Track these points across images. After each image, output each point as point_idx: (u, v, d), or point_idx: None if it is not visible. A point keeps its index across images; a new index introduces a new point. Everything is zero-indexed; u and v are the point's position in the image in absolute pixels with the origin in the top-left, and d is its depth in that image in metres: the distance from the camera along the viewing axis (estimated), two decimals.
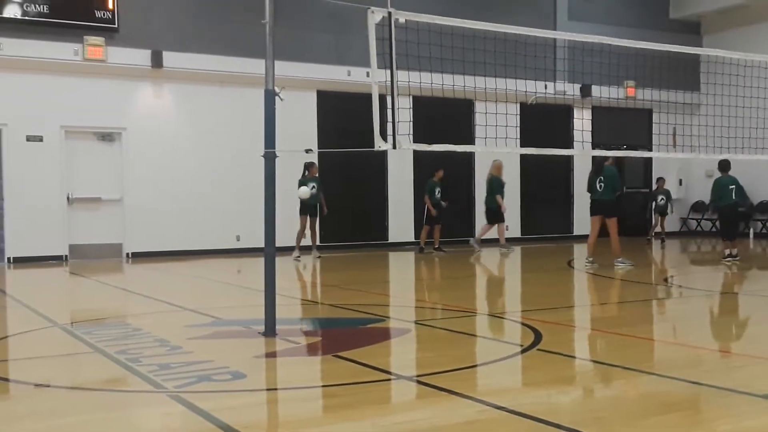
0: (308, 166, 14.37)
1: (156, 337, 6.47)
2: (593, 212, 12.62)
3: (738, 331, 6.90)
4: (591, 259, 12.40)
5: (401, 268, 10.92)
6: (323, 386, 5.05)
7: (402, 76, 7.13)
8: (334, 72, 16.07)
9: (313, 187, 14.18)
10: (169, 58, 14.92)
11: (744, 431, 3.92)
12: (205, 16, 15.49)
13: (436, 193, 15.77)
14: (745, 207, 12.67)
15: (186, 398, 4.53)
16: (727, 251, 12.97)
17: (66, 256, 14.58)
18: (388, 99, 6.69)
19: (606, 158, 12.68)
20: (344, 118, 16.13)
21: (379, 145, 6.60)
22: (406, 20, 6.84)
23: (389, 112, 6.68)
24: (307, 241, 14.66)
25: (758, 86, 14.31)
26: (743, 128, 15.29)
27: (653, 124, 20.32)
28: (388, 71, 6.66)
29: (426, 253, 15.61)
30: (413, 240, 16.79)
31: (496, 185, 15.58)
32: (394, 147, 6.83)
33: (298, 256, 14.39)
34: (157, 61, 14.82)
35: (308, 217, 14.48)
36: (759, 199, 18.81)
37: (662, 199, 18.24)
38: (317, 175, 14.58)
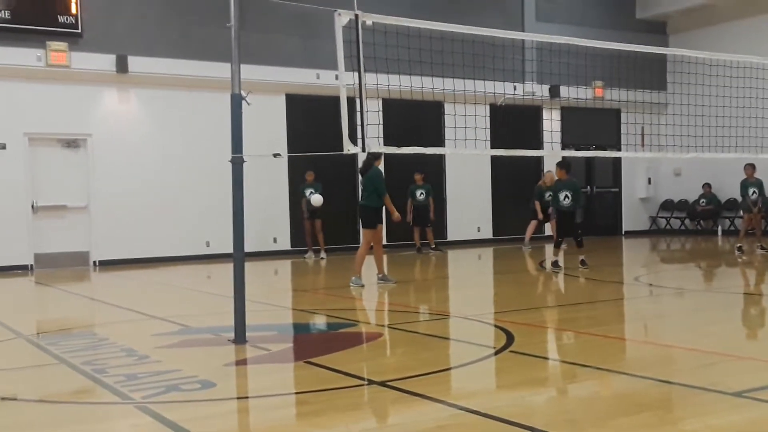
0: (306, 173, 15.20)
1: (123, 347, 6.35)
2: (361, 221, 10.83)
3: (708, 329, 6.93)
4: (356, 278, 10.40)
5: (374, 271, 10.85)
6: (294, 393, 4.97)
7: (371, 79, 7.09)
8: (303, 75, 15.98)
9: (311, 192, 14.63)
10: (135, 62, 14.72)
11: (712, 429, 3.92)
12: (170, 20, 15.33)
13: (419, 195, 15.89)
14: (575, 209, 12.16)
15: (154, 409, 4.43)
16: (554, 259, 12.20)
17: (31, 265, 14.31)
18: (358, 102, 6.64)
19: (377, 155, 10.47)
20: (314, 121, 16.05)
21: (348, 148, 6.54)
22: (373, 22, 6.80)
23: (358, 115, 6.63)
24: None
25: (723, 85, 14.44)
26: (709, 127, 15.45)
27: (621, 124, 20.50)
28: (357, 74, 6.61)
29: (424, 253, 15.87)
30: (387, 243, 16.75)
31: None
32: (363, 150, 6.78)
33: (309, 256, 15.27)
34: (122, 66, 14.62)
35: (313, 221, 15.12)
36: (726, 197, 19.03)
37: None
38: (314, 179, 15.17)
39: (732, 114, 15.50)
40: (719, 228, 19.32)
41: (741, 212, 15.56)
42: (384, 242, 10.94)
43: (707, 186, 19.58)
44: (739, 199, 15.26)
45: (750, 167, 14.62)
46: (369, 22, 6.74)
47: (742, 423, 3.99)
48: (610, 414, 4.26)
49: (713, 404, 4.36)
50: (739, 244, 14.52)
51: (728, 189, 17.95)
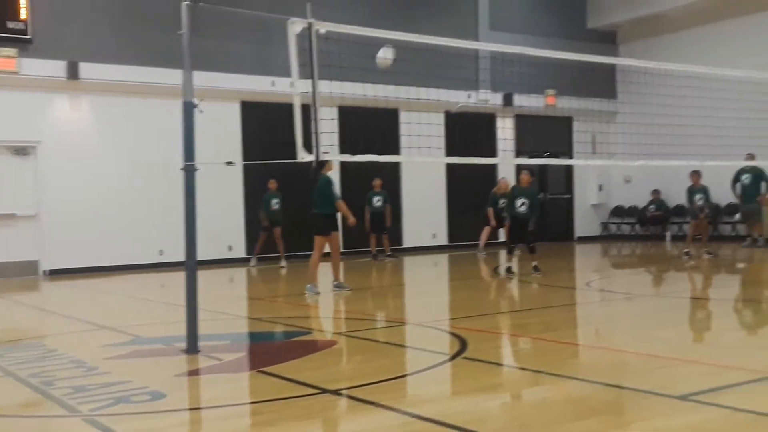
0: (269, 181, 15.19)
1: (72, 358, 6.23)
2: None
3: (656, 333, 7.07)
4: (311, 285, 10.35)
5: (330, 279, 10.84)
6: (246, 404, 4.93)
7: (326, 87, 7.08)
8: (258, 82, 15.89)
9: (278, 201, 15.09)
10: (86, 69, 14.49)
11: (661, 431, 4.00)
12: (123, 26, 15.12)
13: (375, 201, 15.96)
14: (530, 216, 12.23)
15: (102, 422, 4.37)
16: (507, 265, 12.58)
17: None
18: (312, 110, 6.64)
19: (322, 164, 10.27)
20: (270, 128, 15.95)
21: (302, 156, 6.53)
22: (327, 31, 6.81)
23: (313, 122, 6.62)
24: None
25: (671, 94, 14.78)
26: (658, 135, 15.78)
27: (573, 132, 20.85)
28: (311, 82, 6.61)
29: (380, 260, 15.90)
30: (345, 250, 16.73)
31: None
32: (317, 158, 6.78)
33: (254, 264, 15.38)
34: (72, 73, 14.38)
35: (272, 230, 15.16)
36: (674, 203, 19.43)
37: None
38: (276, 188, 15.21)
39: (679, 122, 15.88)
40: (668, 233, 19.72)
41: (689, 218, 15.90)
42: (341, 249, 10.91)
43: (656, 192, 19.98)
44: (687, 205, 15.61)
45: (695, 174, 14.97)
46: (323, 31, 6.76)
47: (687, 425, 4.08)
48: (561, 419, 4.31)
49: (660, 407, 4.45)
50: (686, 249, 14.85)
51: (676, 195, 18.32)
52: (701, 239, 14.97)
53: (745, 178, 16.47)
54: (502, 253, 15.86)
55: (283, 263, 15.18)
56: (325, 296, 10.20)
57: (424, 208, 18.64)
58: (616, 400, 4.76)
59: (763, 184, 16.51)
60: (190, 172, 6.33)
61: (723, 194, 16.91)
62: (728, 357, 5.89)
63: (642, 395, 4.73)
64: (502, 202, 14.87)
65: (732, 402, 4.44)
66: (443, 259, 17.02)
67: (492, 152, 19.13)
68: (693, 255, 14.46)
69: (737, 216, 17.94)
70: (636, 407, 4.59)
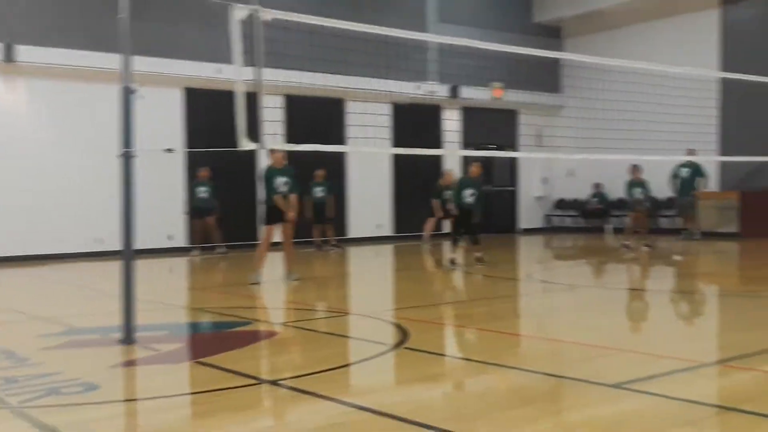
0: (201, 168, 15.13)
1: (2, 349, 6.04)
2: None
3: (594, 323, 7.19)
4: (255, 275, 10.29)
5: (272, 269, 10.75)
6: (183, 395, 4.85)
7: (272, 75, 6.99)
8: (203, 69, 15.61)
9: (207, 190, 15.03)
10: (24, 52, 14.03)
11: (593, 419, 4.06)
12: (63, 7, 14.69)
13: (318, 192, 15.93)
14: (476, 208, 12.34)
15: (31, 414, 4.24)
16: (451, 256, 12.63)
17: None
18: (263, 99, 6.55)
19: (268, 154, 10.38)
20: (216, 116, 15.64)
21: (245, 145, 6.43)
22: (273, 18, 6.71)
23: (262, 111, 6.53)
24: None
25: (615, 89, 15.05)
26: (601, 129, 16.05)
27: (519, 125, 21.07)
28: (255, 69, 6.51)
29: (324, 251, 15.83)
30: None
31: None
32: (261, 147, 6.69)
33: (196, 254, 15.15)
34: (9, 56, 13.90)
35: (203, 219, 15.07)
36: (616, 196, 19.79)
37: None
38: (208, 176, 15.09)
39: (622, 117, 16.20)
40: (609, 226, 20.10)
41: (628, 211, 16.23)
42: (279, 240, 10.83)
43: (597, 186, 20.33)
44: (627, 198, 15.92)
45: (635, 168, 15.28)
46: (268, 18, 6.65)
47: (620, 413, 4.16)
48: (498, 407, 4.35)
49: (594, 395, 4.52)
50: (625, 242, 15.16)
51: (618, 189, 18.68)
52: (640, 232, 15.29)
53: (684, 172, 16.88)
54: (447, 245, 15.97)
55: (221, 251, 15.12)
56: (267, 286, 10.11)
57: (369, 199, 18.61)
58: (553, 388, 4.82)
59: (698, 179, 16.95)
60: (127, 159, 6.19)
61: (662, 188, 17.28)
62: (661, 346, 6.02)
63: (577, 384, 4.81)
64: (447, 193, 14.94)
65: (663, 390, 4.54)
66: (388, 249, 17.05)
67: (438, 144, 19.21)
68: (632, 247, 14.76)
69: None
70: (571, 395, 4.66)
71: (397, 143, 17.79)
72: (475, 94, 19.44)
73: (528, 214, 21.77)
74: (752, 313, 7.72)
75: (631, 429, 3.91)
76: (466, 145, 19.57)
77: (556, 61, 19.39)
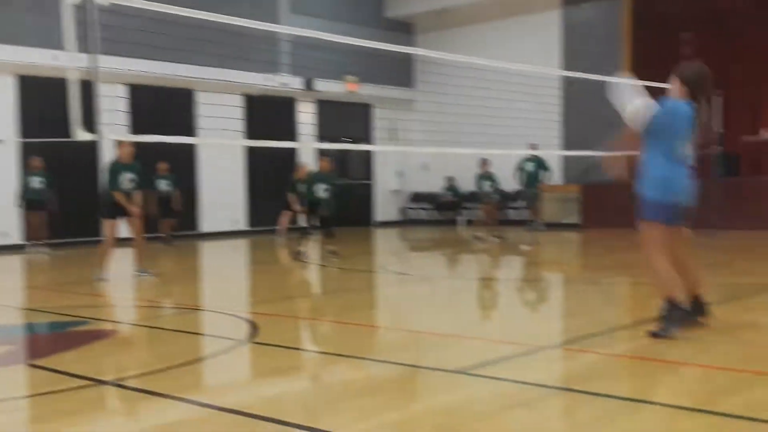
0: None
1: None
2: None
3: (445, 313, 7.35)
4: (99, 271, 9.81)
5: (120, 264, 10.28)
6: (12, 399, 4.52)
7: (113, 63, 6.66)
8: (37, 55, 14.67)
9: (42, 181, 14.27)
10: None
11: (438, 405, 4.13)
12: None
13: (163, 185, 15.63)
14: (329, 202, 12.57)
15: None
16: (303, 249, 12.72)
17: None
18: (99, 87, 6.20)
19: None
20: (53, 105, 14.77)
21: (79, 134, 6.07)
22: (110, 3, 6.36)
23: (99, 100, 6.19)
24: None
25: (465, 85, 15.45)
26: (453, 123, 16.48)
27: (373, 119, 21.27)
28: (91, 57, 6.16)
29: (173, 245, 15.47)
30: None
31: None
32: (99, 138, 6.36)
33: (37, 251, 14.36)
34: None
35: (37, 213, 14.30)
36: (467, 189, 20.39)
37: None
38: (42, 167, 14.34)
39: (471, 112, 16.66)
40: (461, 218, 20.69)
41: (479, 204, 16.75)
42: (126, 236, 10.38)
43: (450, 179, 20.88)
44: (477, 191, 16.42)
45: (484, 162, 15.79)
46: (105, 3, 6.30)
47: (460, 398, 4.24)
48: (346, 398, 4.33)
49: (438, 382, 4.60)
50: (476, 233, 15.64)
51: (469, 182, 19.24)
52: (488, 223, 15.82)
53: (529, 165, 17.61)
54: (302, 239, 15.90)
55: (45, 249, 14.34)
56: (113, 283, 9.65)
57: (223, 193, 18.21)
58: (401, 378, 4.85)
59: (542, 172, 17.74)
60: None
61: (510, 181, 17.95)
62: (505, 332, 6.23)
63: (425, 372, 4.88)
64: (302, 187, 14.87)
65: (501, 374, 4.70)
66: (242, 244, 16.75)
67: (293, 137, 19.06)
68: (482, 239, 15.24)
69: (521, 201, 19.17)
70: (418, 383, 4.72)
71: (251, 135, 17.47)
72: (330, 88, 19.43)
73: (384, 208, 22.04)
74: (592, 298, 8.14)
75: (470, 412, 3.99)
76: (322, 138, 19.54)
77: (408, 56, 19.68)
